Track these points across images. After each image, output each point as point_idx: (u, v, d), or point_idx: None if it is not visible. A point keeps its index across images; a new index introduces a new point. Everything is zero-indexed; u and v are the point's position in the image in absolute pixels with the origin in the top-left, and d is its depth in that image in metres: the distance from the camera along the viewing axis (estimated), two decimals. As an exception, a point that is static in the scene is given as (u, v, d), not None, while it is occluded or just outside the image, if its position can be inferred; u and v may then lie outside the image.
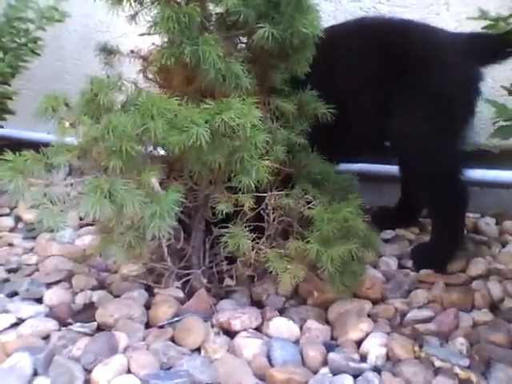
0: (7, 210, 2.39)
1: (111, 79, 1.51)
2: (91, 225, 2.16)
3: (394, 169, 2.08)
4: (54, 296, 1.78)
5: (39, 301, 1.78)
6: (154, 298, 1.75)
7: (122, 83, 1.57)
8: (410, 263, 1.97)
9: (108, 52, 1.78)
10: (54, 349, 1.52)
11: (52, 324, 1.64)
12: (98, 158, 1.40)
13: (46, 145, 1.45)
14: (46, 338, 1.61)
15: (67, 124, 1.41)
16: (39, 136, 2.72)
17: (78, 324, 1.64)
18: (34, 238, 2.21)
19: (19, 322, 1.66)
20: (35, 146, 2.81)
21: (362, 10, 2.24)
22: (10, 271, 1.94)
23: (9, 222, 2.32)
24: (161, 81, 1.69)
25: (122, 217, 1.39)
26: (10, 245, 2.16)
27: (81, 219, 2.22)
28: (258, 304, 1.75)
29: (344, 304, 1.70)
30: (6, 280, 1.90)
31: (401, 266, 1.96)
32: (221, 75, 1.46)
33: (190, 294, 1.75)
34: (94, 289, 1.84)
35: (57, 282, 1.87)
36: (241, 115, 1.34)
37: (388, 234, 2.16)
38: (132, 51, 1.77)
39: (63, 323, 1.66)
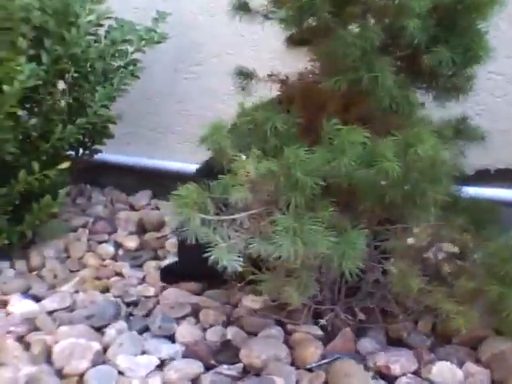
0: (106, 237, 2.21)
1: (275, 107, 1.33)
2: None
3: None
4: (186, 332, 1.61)
5: (170, 338, 1.59)
6: (292, 336, 1.56)
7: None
8: None
9: (245, 76, 1.62)
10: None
11: (196, 366, 1.47)
12: (272, 193, 1.23)
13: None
14: (194, 380, 1.42)
15: (243, 157, 1.24)
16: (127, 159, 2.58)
17: (225, 366, 1.45)
18: (140, 265, 2.03)
19: (160, 363, 1.47)
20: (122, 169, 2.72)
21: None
22: (129, 304, 1.76)
23: (110, 249, 2.13)
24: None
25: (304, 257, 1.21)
26: (119, 274, 1.97)
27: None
28: (397, 342, 1.59)
29: (494, 343, 1.51)
30: (130, 314, 1.71)
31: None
32: (395, 103, 1.29)
33: (329, 332, 1.57)
34: (223, 324, 1.65)
35: (183, 317, 1.69)
36: (432, 148, 1.17)
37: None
38: (270, 75, 1.60)
39: (207, 365, 1.48)
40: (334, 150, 1.18)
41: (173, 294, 1.82)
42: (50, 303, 1.74)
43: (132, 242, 2.15)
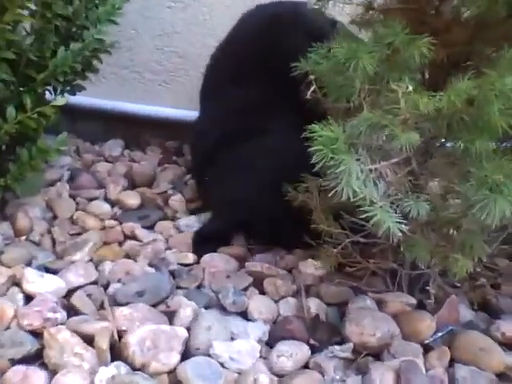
0: (96, 193, 1.75)
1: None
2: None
3: None
4: (262, 307, 1.26)
5: (242, 314, 1.24)
6: (386, 307, 1.28)
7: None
8: None
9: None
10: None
11: (305, 349, 1.14)
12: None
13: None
14: (305, 367, 1.10)
15: (410, 88, 0.91)
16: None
17: (337, 347, 1.14)
18: (151, 227, 1.62)
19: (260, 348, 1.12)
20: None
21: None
22: (172, 275, 1.36)
23: (105, 207, 1.69)
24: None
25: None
26: (131, 238, 1.55)
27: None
28: (490, 309, 1.37)
29: None
30: (177, 287, 1.32)
31: None
32: None
33: (422, 301, 1.31)
34: (294, 295, 1.33)
35: (246, 288, 1.34)
36: None
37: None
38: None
39: (312, 346, 1.15)
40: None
41: (217, 260, 1.45)
42: (74, 277, 1.30)
43: (133, 199, 1.72)
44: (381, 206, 0.89)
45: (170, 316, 1.20)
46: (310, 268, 1.41)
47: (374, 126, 0.90)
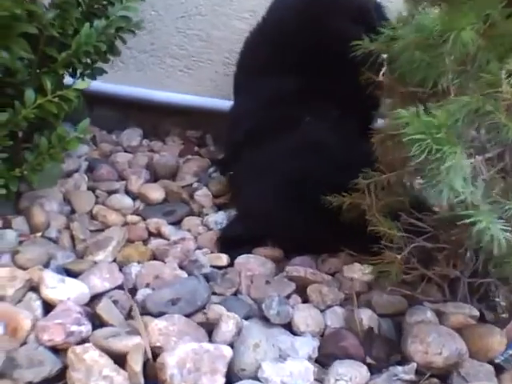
0: (116, 185, 1.58)
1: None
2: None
3: None
4: (308, 318, 1.10)
5: (288, 327, 1.08)
6: (447, 319, 1.12)
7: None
8: None
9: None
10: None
11: (362, 370, 0.97)
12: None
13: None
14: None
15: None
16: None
17: (399, 368, 0.98)
18: (177, 223, 1.46)
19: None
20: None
21: None
22: (205, 279, 1.19)
23: (127, 201, 1.53)
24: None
25: None
26: (157, 235, 1.39)
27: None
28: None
29: None
30: (213, 293, 1.16)
31: None
32: None
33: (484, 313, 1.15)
34: (341, 304, 1.17)
35: (288, 296, 1.17)
36: None
37: None
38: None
39: (368, 365, 0.99)
40: None
41: (252, 262, 1.28)
42: (99, 281, 1.13)
43: (156, 193, 1.55)
44: (486, 210, 0.72)
45: (208, 328, 1.03)
46: (357, 273, 1.24)
47: (475, 112, 0.73)
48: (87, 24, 1.28)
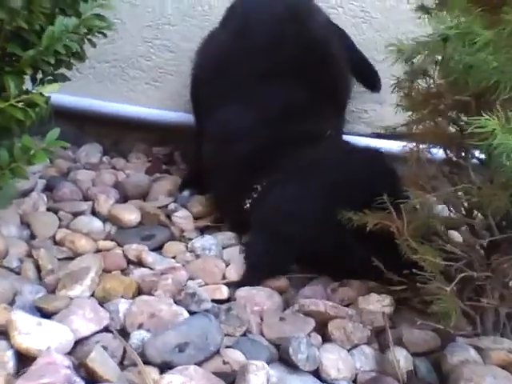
0: (83, 206, 1.33)
1: None
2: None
3: None
4: (337, 362, 0.91)
5: (315, 373, 0.89)
6: (488, 356, 0.96)
7: None
8: None
9: None
10: None
11: None
12: None
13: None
14: None
15: None
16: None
17: None
18: (158, 249, 1.23)
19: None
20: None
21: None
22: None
23: (97, 224, 1.28)
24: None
25: None
26: (138, 264, 1.15)
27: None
28: None
29: None
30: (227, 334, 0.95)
31: None
32: None
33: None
34: (369, 342, 0.99)
35: (308, 335, 0.97)
36: None
37: None
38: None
39: None
40: None
41: (257, 295, 1.07)
42: (82, 323, 0.88)
43: (130, 215, 1.32)
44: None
45: (227, 379, 0.81)
46: (374, 305, 1.06)
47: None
48: (61, 18, 1.04)
